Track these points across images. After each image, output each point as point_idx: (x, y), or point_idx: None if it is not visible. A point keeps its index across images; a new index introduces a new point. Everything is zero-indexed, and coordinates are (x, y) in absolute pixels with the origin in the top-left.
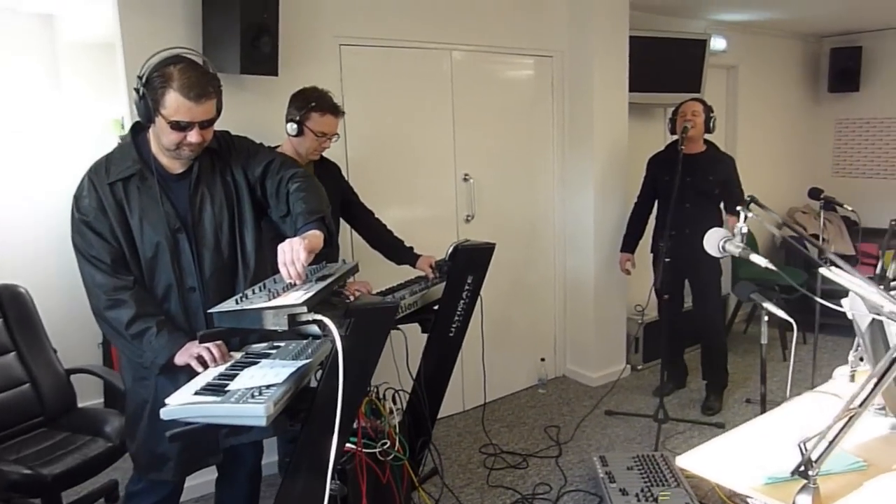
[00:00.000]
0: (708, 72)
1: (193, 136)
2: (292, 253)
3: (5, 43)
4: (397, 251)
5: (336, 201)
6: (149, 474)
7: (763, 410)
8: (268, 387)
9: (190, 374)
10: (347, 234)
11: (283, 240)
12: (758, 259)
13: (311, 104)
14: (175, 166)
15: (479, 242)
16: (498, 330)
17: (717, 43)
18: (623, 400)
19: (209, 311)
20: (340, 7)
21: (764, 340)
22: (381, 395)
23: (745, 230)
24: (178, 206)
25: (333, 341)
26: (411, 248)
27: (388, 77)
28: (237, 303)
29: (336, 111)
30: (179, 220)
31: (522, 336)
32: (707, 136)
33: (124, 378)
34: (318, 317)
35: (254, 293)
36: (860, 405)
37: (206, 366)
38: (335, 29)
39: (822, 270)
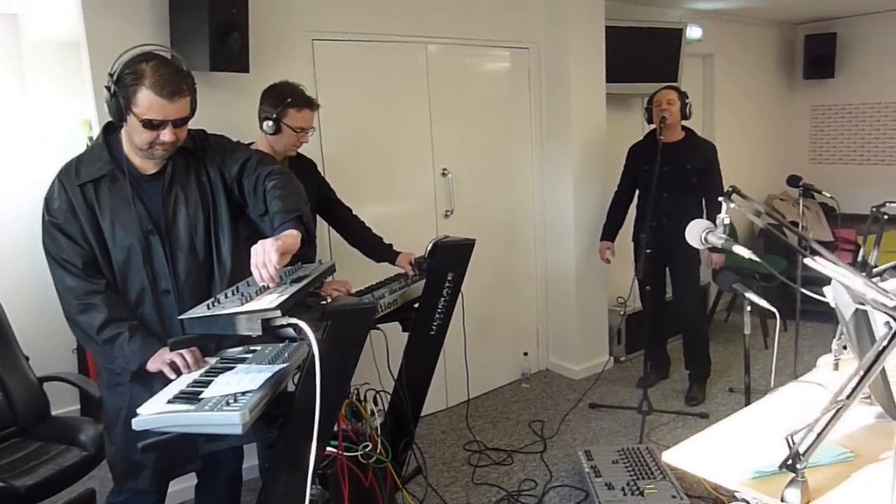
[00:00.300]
0: (684, 60)
1: (166, 135)
2: (264, 255)
3: None
4: (376, 249)
5: (313, 198)
6: (125, 483)
7: (748, 402)
8: (243, 393)
9: (164, 381)
10: (325, 232)
11: (260, 239)
12: (741, 250)
13: (286, 100)
14: (148, 166)
15: (458, 239)
16: (480, 325)
17: (693, 32)
18: (607, 392)
19: (179, 317)
20: (312, 1)
21: (747, 331)
22: (362, 397)
23: (727, 221)
24: (150, 208)
25: (310, 345)
26: (390, 246)
27: (362, 72)
28: (209, 308)
29: (312, 105)
30: (152, 222)
31: (505, 331)
32: (685, 123)
33: (99, 385)
34: (294, 320)
35: (226, 297)
36: (847, 397)
37: (179, 372)
38: (307, 24)
39: (807, 261)
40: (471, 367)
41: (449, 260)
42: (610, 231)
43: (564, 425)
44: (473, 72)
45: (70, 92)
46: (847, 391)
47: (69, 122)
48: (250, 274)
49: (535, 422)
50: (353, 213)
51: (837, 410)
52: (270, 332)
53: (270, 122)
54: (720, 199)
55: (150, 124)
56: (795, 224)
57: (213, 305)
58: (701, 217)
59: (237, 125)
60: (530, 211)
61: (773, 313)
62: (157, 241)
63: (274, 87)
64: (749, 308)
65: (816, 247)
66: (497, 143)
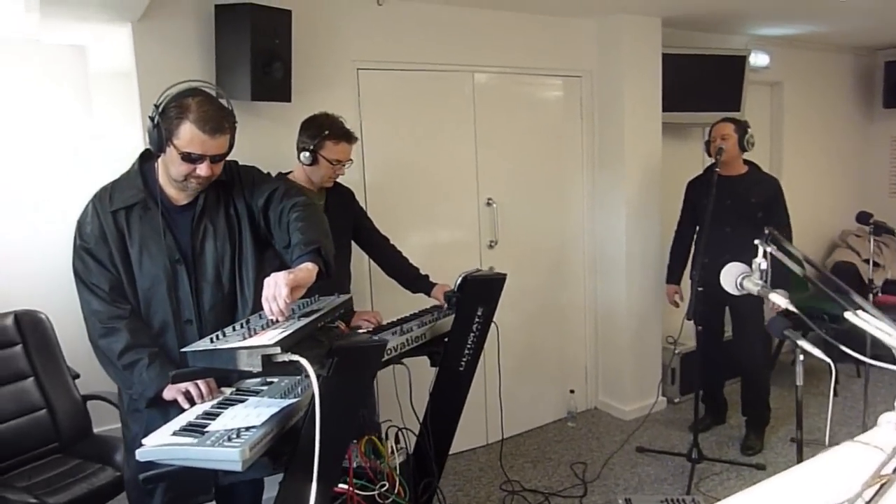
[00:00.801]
0: (749, 89)
1: (203, 170)
2: (275, 288)
3: (45, 72)
4: (412, 279)
5: (348, 228)
6: None
7: (799, 459)
8: (247, 429)
9: (180, 409)
10: (365, 262)
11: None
12: (778, 298)
13: (324, 132)
14: (180, 198)
15: (489, 273)
16: (524, 360)
17: (759, 59)
18: (657, 435)
19: (182, 349)
20: (358, 31)
21: (799, 382)
22: (384, 435)
23: (764, 266)
24: (179, 238)
25: (311, 382)
26: (426, 277)
27: (407, 100)
28: (212, 342)
29: (350, 138)
30: (180, 252)
31: (551, 366)
32: (749, 157)
33: (120, 409)
34: (295, 357)
35: (233, 331)
36: (894, 471)
37: (192, 402)
38: (352, 53)
39: (847, 315)
40: (514, 404)
41: (479, 294)
42: (675, 272)
43: (608, 469)
44: (522, 100)
45: (130, 119)
46: (893, 464)
47: (129, 148)
48: None
49: (577, 464)
50: (390, 242)
51: (881, 486)
52: (275, 368)
53: (308, 154)
54: (756, 241)
55: (188, 157)
56: (867, 262)
57: (217, 339)
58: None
59: (278, 154)
60: (580, 243)
61: (829, 365)
62: (184, 272)
63: (313, 119)
64: (802, 357)
65: (859, 300)
66: (546, 173)
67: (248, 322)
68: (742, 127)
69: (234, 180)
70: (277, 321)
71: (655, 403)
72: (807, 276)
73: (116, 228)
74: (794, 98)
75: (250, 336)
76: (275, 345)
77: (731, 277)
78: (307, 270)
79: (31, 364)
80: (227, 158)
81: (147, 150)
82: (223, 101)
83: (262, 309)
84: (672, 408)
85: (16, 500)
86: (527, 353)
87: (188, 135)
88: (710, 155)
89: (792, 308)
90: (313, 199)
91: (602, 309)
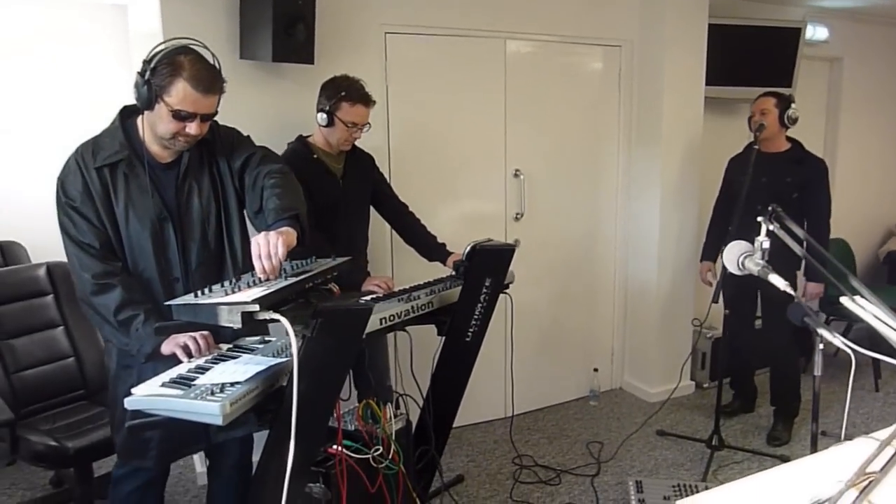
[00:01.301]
0: (804, 64)
1: (193, 128)
2: (268, 246)
3: (87, 31)
4: (428, 248)
5: (367, 193)
6: (130, 460)
7: (813, 452)
8: (232, 384)
9: (176, 363)
10: (387, 228)
11: None
12: (776, 280)
13: (341, 93)
14: (165, 155)
15: (498, 243)
16: (548, 335)
17: (817, 32)
18: (680, 420)
19: (166, 303)
20: None
21: (817, 372)
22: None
23: (766, 245)
24: (165, 196)
25: (291, 342)
26: (443, 245)
27: (436, 66)
28: (195, 296)
29: (367, 100)
30: (166, 210)
31: (576, 343)
32: (801, 137)
33: (108, 365)
34: (275, 316)
35: (220, 287)
36: (881, 469)
37: (190, 356)
38: (381, 17)
39: (843, 300)
40: (536, 379)
41: (487, 265)
42: (710, 250)
43: (624, 450)
44: (556, 69)
45: None
46: (881, 461)
47: None
48: None
49: (593, 443)
50: (410, 209)
51: (866, 485)
52: (257, 325)
53: (324, 115)
54: (759, 219)
55: (179, 115)
56: None
57: (202, 294)
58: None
59: (300, 115)
60: (612, 219)
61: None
62: (171, 229)
63: (332, 80)
64: (822, 346)
65: (858, 286)
66: (578, 146)
67: (238, 279)
68: (785, 102)
69: (216, 140)
70: (269, 279)
71: (678, 387)
72: (806, 255)
73: (101, 185)
74: (854, 75)
75: (234, 293)
76: (253, 302)
77: (733, 256)
78: (291, 234)
79: (61, 314)
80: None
81: (127, 106)
82: (213, 61)
83: (250, 267)
84: (700, 392)
85: (36, 441)
86: (551, 328)
87: (181, 93)
88: (751, 130)
89: (790, 291)
90: (304, 169)
91: (632, 288)
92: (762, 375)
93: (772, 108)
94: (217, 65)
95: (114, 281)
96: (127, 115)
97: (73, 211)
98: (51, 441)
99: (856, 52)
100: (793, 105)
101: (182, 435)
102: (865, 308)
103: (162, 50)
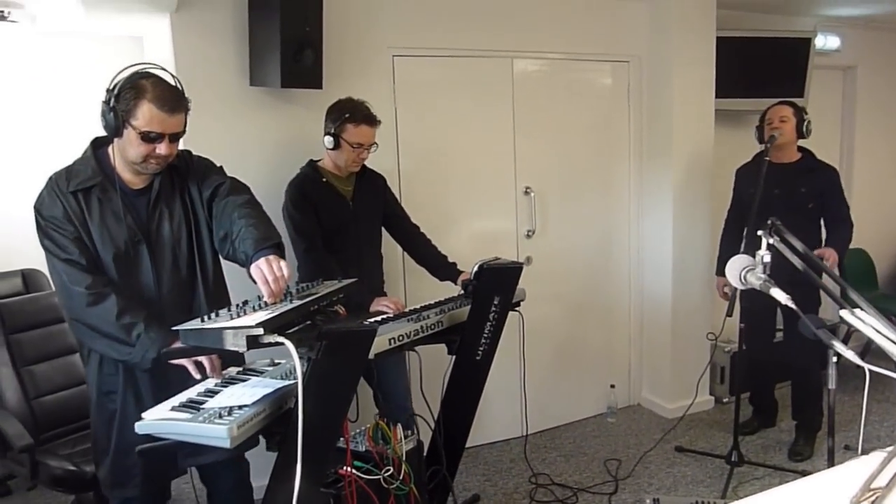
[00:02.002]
0: (816, 74)
1: (162, 149)
2: (272, 270)
3: (106, 63)
4: (439, 267)
5: (378, 213)
6: (114, 492)
7: (830, 465)
8: (240, 407)
9: (180, 380)
10: (399, 249)
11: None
12: (778, 294)
13: (345, 115)
14: (137, 181)
15: (506, 262)
16: (564, 352)
17: (829, 41)
18: (699, 436)
19: (173, 328)
20: (394, 17)
21: (831, 385)
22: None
23: (767, 259)
24: (137, 221)
25: (294, 364)
26: (454, 264)
27: (443, 87)
28: (202, 321)
29: (371, 121)
30: (140, 233)
31: (591, 360)
32: (804, 144)
33: (90, 392)
34: (280, 339)
35: (227, 311)
36: (886, 485)
37: (203, 372)
38: (388, 40)
39: (843, 313)
40: (552, 397)
41: (495, 283)
42: (724, 264)
43: (642, 467)
44: (564, 86)
45: None
46: (887, 476)
47: None
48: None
49: (611, 460)
50: (421, 230)
51: (873, 501)
52: (261, 348)
53: (330, 138)
54: (759, 232)
55: (147, 137)
56: None
57: (209, 318)
58: (818, 246)
59: (310, 140)
60: (624, 233)
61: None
62: (145, 252)
63: (336, 104)
64: (836, 359)
65: (858, 299)
66: (589, 162)
67: (244, 303)
68: (800, 111)
69: (189, 167)
70: (275, 303)
71: (695, 403)
72: (806, 269)
73: (78, 207)
74: (869, 84)
75: (240, 317)
76: (257, 325)
77: (735, 270)
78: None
79: (79, 340)
80: (181, 148)
81: (98, 137)
82: (175, 82)
83: (221, 293)
84: (719, 408)
85: (56, 465)
86: (567, 345)
87: (147, 114)
88: (760, 141)
89: (791, 304)
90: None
91: (647, 302)
92: (783, 389)
93: (790, 117)
94: (179, 86)
95: (108, 290)
96: (98, 146)
97: (54, 231)
98: (70, 465)
99: (869, 59)
100: (806, 116)
101: (160, 459)
102: (864, 321)
103: (122, 76)
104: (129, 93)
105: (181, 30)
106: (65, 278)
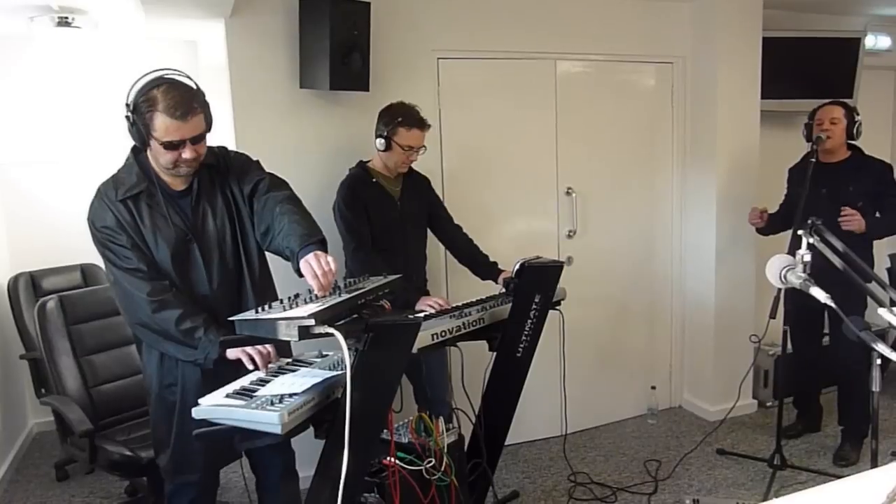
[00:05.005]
0: (866, 74)
1: (187, 153)
2: (322, 265)
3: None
4: (480, 266)
5: (424, 214)
6: (178, 479)
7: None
8: (290, 395)
9: (234, 374)
10: (442, 248)
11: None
12: (817, 293)
13: (397, 119)
14: (177, 184)
15: (547, 260)
16: (605, 353)
17: (879, 41)
18: (741, 439)
19: (230, 318)
20: (439, 21)
21: (875, 388)
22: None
23: (807, 258)
24: (185, 221)
25: (342, 354)
26: (495, 264)
27: (487, 89)
28: (256, 312)
29: (422, 125)
30: (189, 232)
31: (633, 361)
32: (851, 142)
33: (148, 386)
34: (330, 329)
35: (280, 303)
36: None
37: (254, 363)
38: (433, 43)
39: (882, 311)
40: (593, 396)
41: (536, 281)
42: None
43: (683, 468)
44: (607, 88)
45: (224, 112)
46: None
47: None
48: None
49: (651, 461)
50: (463, 231)
51: None
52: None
53: (382, 140)
54: (799, 232)
55: (170, 146)
56: None
57: (263, 310)
58: (867, 247)
59: (357, 140)
60: (667, 235)
61: None
62: (196, 250)
63: (389, 107)
64: (879, 361)
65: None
66: (631, 163)
67: (296, 296)
68: (851, 112)
69: (227, 164)
70: (325, 296)
71: (740, 406)
72: (846, 268)
73: (129, 215)
74: None
75: (292, 308)
76: (309, 317)
77: (776, 270)
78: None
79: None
80: (218, 145)
81: (136, 144)
82: (188, 81)
83: (266, 285)
84: (762, 412)
85: (113, 450)
86: (608, 345)
87: (163, 125)
88: (807, 139)
89: (831, 303)
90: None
91: (689, 304)
92: (829, 394)
93: (841, 118)
94: (193, 84)
95: (169, 296)
96: (138, 151)
97: (110, 242)
98: (126, 451)
99: None
100: (857, 117)
101: (219, 444)
102: None
103: (137, 87)
104: (143, 105)
105: (235, 34)
106: (126, 287)
